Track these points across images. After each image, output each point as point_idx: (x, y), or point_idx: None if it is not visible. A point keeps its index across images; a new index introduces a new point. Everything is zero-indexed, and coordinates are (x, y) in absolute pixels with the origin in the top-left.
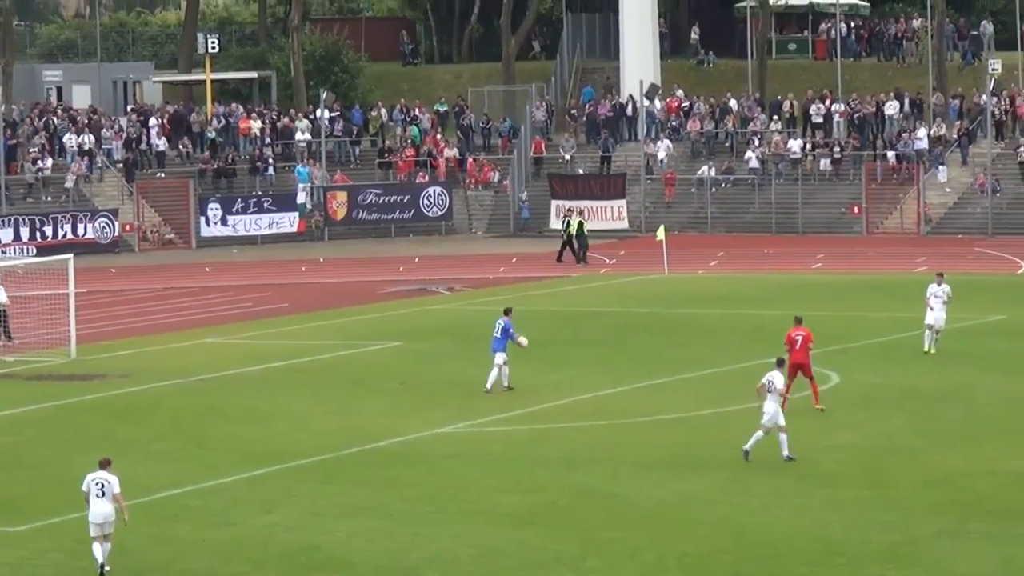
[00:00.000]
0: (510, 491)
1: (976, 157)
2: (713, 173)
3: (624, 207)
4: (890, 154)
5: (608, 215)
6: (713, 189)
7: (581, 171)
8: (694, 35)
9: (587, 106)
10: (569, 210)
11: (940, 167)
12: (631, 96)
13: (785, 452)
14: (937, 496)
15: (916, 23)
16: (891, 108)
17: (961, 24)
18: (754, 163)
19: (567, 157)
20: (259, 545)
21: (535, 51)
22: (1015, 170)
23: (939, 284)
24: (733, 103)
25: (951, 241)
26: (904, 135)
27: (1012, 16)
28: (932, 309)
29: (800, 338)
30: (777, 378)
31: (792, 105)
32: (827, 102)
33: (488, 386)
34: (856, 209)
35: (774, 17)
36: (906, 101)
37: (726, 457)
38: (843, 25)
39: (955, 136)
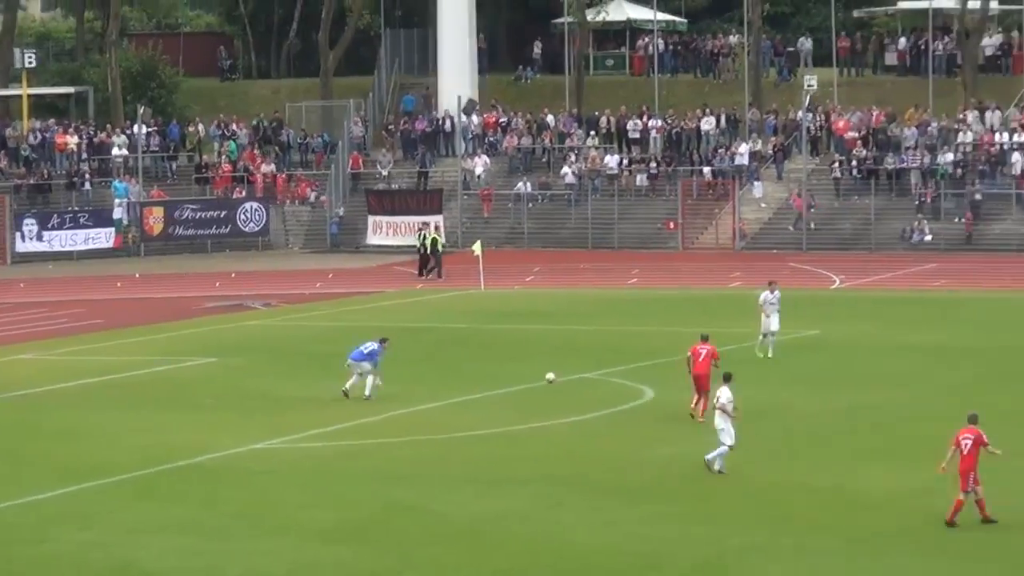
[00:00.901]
0: (325, 507)
1: (791, 173)
2: (530, 188)
3: (441, 223)
4: (706, 170)
5: None
6: (530, 205)
7: (397, 186)
8: (536, 50)
9: (403, 122)
10: (424, 224)
11: (755, 183)
12: (448, 112)
13: (717, 466)
14: (751, 510)
15: (733, 39)
16: (707, 124)
17: (777, 41)
18: (571, 179)
19: (384, 173)
20: (73, 562)
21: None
22: (829, 185)
23: (772, 292)
24: (550, 119)
25: (766, 256)
26: (720, 151)
27: (828, 33)
28: (767, 316)
29: (704, 352)
30: (723, 394)
31: (609, 121)
32: (644, 118)
33: (347, 387)
34: (672, 224)
35: (592, 33)
36: (722, 117)
37: (541, 472)
38: (660, 41)
39: (771, 152)
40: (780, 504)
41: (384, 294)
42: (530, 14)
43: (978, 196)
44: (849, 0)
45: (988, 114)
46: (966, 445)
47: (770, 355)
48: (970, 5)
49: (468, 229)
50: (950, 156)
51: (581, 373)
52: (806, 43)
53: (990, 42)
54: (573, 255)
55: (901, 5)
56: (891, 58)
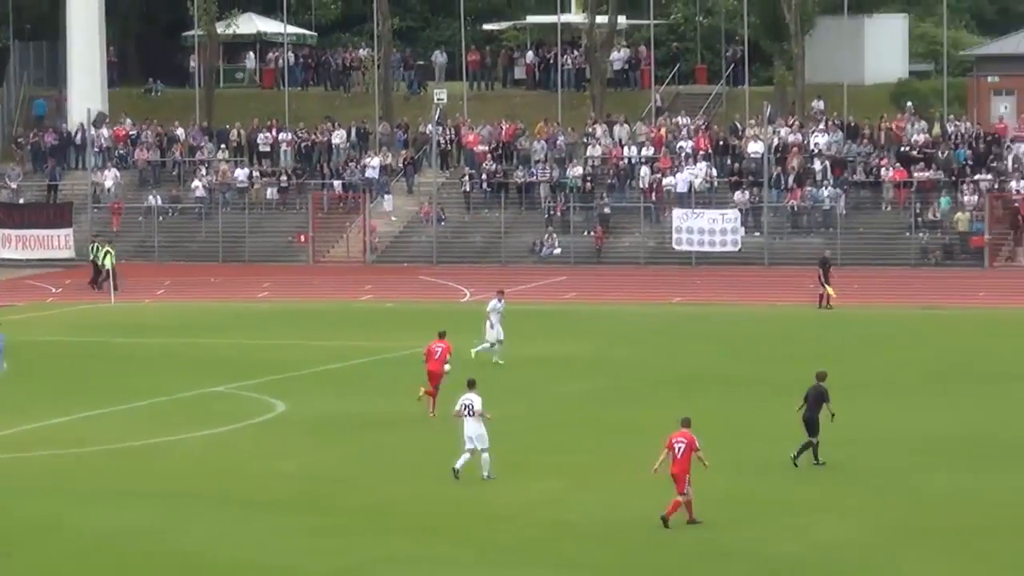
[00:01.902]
0: None
1: (422, 186)
2: (160, 202)
3: (71, 236)
4: (337, 183)
5: (54, 244)
6: (160, 218)
7: (24, 200)
8: (192, 64)
9: (32, 134)
10: (97, 234)
11: (386, 196)
12: (78, 124)
13: (485, 472)
14: (381, 522)
15: (363, 53)
16: (338, 137)
17: (407, 54)
18: (201, 192)
19: (13, 186)
20: None
21: None
22: (459, 199)
23: (499, 300)
24: (180, 132)
25: (396, 269)
26: (351, 164)
27: (458, 47)
28: (492, 326)
29: (440, 350)
30: (476, 400)
31: (239, 134)
32: (274, 131)
33: None
34: (303, 238)
35: (222, 46)
36: (353, 130)
37: (174, 486)
38: (291, 54)
39: (401, 165)
40: (415, 515)
41: (14, 307)
42: (160, 27)
43: (607, 210)
44: (478, 14)
45: (616, 128)
46: (679, 448)
47: (501, 362)
48: (598, 20)
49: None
50: (579, 170)
51: (213, 387)
52: (440, 57)
53: (618, 56)
54: (204, 269)
55: (530, 19)
56: (520, 72)
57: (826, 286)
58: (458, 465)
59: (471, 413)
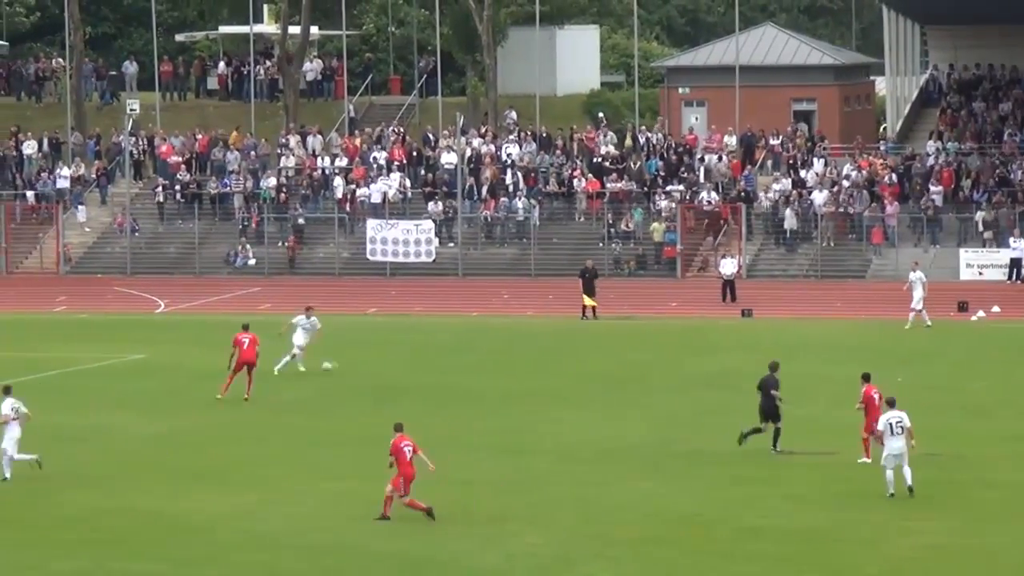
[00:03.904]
0: None
1: (115, 197)
2: None
3: None
4: (29, 194)
5: None
6: None
7: None
8: None
9: None
10: None
11: (79, 207)
12: None
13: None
14: (75, 535)
15: (56, 62)
16: (29, 148)
17: (100, 64)
18: None
19: None
20: None
21: None
22: (153, 210)
23: (307, 316)
24: None
25: (91, 280)
26: (43, 175)
27: (151, 57)
28: (298, 339)
29: (248, 340)
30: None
31: None
32: None
33: None
34: None
35: None
36: (45, 141)
37: None
38: None
39: (94, 176)
40: (105, 528)
41: None
42: None
43: (301, 220)
44: (171, 24)
45: (310, 139)
46: (407, 452)
47: (302, 369)
48: (291, 30)
49: None
50: (273, 180)
51: None
52: (131, 67)
53: (311, 67)
54: None
55: (223, 29)
56: (213, 82)
57: (588, 297)
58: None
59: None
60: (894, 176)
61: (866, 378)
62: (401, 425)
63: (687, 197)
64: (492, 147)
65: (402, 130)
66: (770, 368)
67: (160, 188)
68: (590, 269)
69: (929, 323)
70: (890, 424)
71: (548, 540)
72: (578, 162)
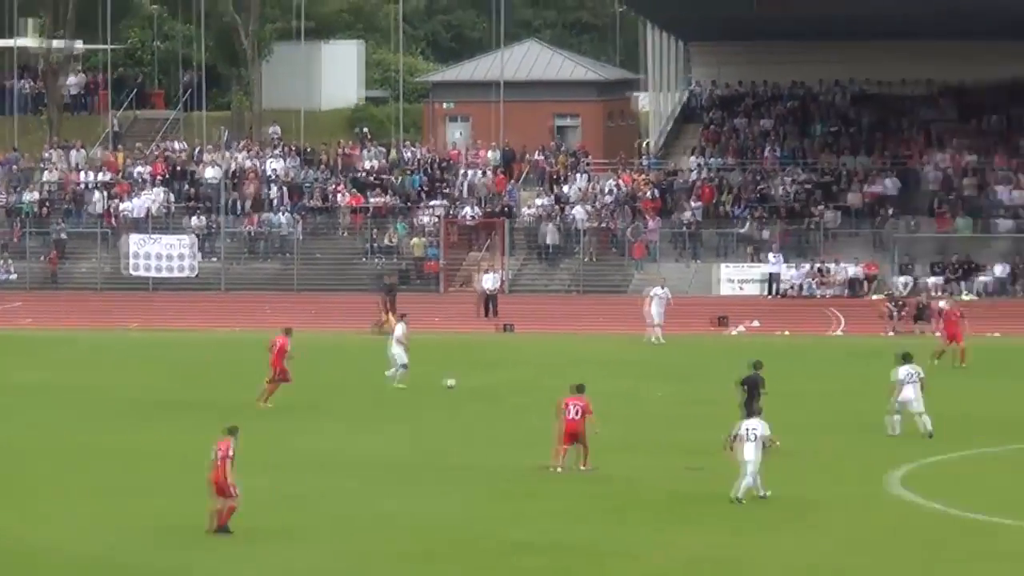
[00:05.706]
0: None
1: None
2: None
3: None
4: None
5: None
6: None
7: None
8: None
9: None
10: None
11: None
12: None
13: None
14: None
15: None
16: None
17: None
18: None
19: None
20: None
21: None
22: None
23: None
24: None
25: None
26: None
27: None
28: None
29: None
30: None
31: None
32: None
33: None
34: None
35: None
36: None
37: None
38: None
39: None
40: None
41: None
42: None
43: (63, 235)
44: None
45: (72, 153)
46: (220, 456)
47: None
48: (54, 44)
49: None
50: (35, 195)
51: None
52: None
53: (74, 81)
54: None
55: None
56: None
57: (388, 315)
58: None
59: None
60: (656, 191)
61: (579, 389)
62: (236, 428)
63: (449, 212)
64: (256, 161)
65: (165, 144)
66: (754, 367)
67: None
68: (391, 285)
69: (663, 341)
70: (746, 431)
71: (307, 557)
72: (341, 177)
